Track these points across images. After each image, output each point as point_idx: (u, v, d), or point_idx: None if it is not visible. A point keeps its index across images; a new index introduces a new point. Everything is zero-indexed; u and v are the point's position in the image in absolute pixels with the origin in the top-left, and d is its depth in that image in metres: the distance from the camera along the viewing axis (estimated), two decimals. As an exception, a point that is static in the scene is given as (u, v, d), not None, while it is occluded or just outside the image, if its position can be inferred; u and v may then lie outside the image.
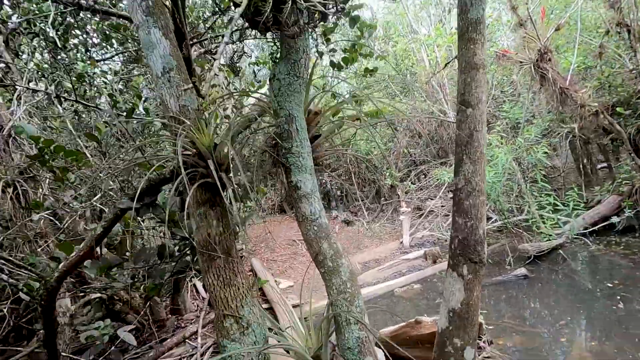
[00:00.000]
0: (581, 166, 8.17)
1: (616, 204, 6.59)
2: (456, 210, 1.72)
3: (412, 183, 10.78)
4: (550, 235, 6.16)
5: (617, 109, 6.93)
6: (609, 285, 4.83)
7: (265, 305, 5.80)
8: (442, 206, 9.77)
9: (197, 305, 5.91)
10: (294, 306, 5.74)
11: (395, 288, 6.13)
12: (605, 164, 8.97)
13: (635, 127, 6.91)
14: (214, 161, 1.71)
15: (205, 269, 2.02)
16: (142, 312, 5.20)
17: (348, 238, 9.81)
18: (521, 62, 6.91)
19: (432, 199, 10.40)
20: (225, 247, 2.02)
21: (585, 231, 6.35)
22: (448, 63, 11.31)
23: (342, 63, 2.89)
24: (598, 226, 6.48)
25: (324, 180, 12.48)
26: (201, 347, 4.65)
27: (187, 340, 4.87)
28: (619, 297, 4.46)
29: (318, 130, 2.13)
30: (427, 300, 5.60)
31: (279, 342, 2.44)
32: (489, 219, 8.08)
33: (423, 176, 11.71)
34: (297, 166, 1.78)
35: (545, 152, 6.20)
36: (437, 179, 9.27)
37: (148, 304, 5.30)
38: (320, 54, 3.12)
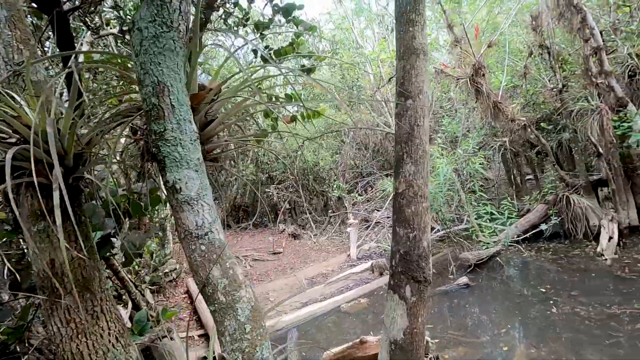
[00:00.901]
0: (512, 177, 8.71)
1: (544, 212, 7.05)
2: (397, 219, 1.48)
3: (359, 195, 10.77)
4: (488, 243, 6.38)
5: (541, 124, 7.51)
6: (542, 290, 5.03)
7: (199, 332, 5.21)
8: (388, 217, 9.85)
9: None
10: (233, 330, 5.21)
11: (342, 304, 5.88)
12: (532, 175, 9.71)
13: (556, 141, 7.52)
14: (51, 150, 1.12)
15: (47, 311, 1.41)
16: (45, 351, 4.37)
17: (295, 252, 9.46)
18: (458, 78, 7.25)
19: (378, 210, 10.46)
20: (80, 279, 1.47)
21: (518, 239, 6.68)
22: (391, 78, 11.67)
23: (273, 56, 2.63)
24: (529, 234, 6.86)
25: (270, 193, 12.06)
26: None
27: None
28: (551, 302, 4.63)
29: (213, 114, 1.57)
30: (374, 314, 5.42)
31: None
32: (432, 229, 8.25)
33: (370, 188, 11.80)
34: (174, 159, 1.22)
35: (482, 163, 6.47)
36: (383, 190, 9.32)
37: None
38: (255, 52, 2.83)
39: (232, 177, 12.87)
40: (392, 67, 11.93)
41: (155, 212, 6.62)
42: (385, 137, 12.22)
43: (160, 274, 6.12)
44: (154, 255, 4.13)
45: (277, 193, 12.04)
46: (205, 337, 5.09)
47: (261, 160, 12.58)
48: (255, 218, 13.29)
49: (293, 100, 2.31)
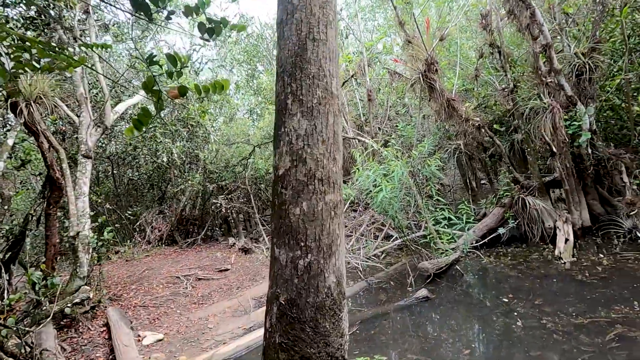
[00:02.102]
0: (467, 181, 8.53)
1: (500, 215, 6.83)
2: (275, 229, 0.82)
3: (314, 203, 10.16)
4: (447, 250, 5.98)
5: (494, 126, 7.36)
6: (505, 300, 4.64)
7: (113, 377, 4.22)
8: (345, 226, 9.30)
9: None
10: (156, 371, 4.29)
11: (291, 327, 5.14)
12: (486, 179, 9.65)
13: (509, 142, 7.41)
14: None
15: None
16: None
17: (244, 268, 8.58)
18: (412, 81, 6.94)
19: (335, 220, 9.90)
20: None
21: (477, 244, 6.36)
22: (345, 82, 11.30)
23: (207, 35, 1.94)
24: (487, 238, 6.58)
25: (219, 204, 11.09)
26: None
27: None
28: (515, 314, 4.23)
29: None
30: (326, 338, 4.72)
31: None
32: (389, 237, 7.79)
33: (326, 196, 11.23)
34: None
35: (437, 166, 6.13)
36: (338, 198, 8.75)
37: None
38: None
39: (177, 187, 11.74)
40: (346, 72, 11.59)
41: (64, 229, 5.52)
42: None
43: (69, 304, 5.02)
44: (37, 286, 3.18)
45: (227, 204, 11.09)
46: (119, 383, 4.11)
47: (209, 169, 11.60)
48: (204, 232, 12.21)
49: (179, 64, 1.62)
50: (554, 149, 5.72)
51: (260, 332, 5.04)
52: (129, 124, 10.43)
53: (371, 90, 10.97)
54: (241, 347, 4.75)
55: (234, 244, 10.37)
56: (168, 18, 2.28)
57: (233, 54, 14.53)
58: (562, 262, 5.45)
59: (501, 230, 6.43)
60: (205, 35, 1.93)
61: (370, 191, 6.20)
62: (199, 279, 8.08)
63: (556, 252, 5.68)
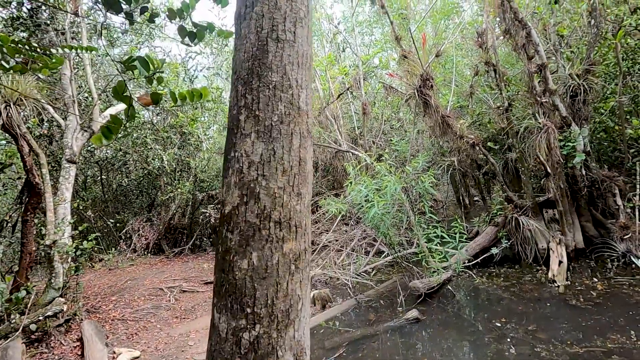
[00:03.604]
0: (460, 198, 8.45)
1: (493, 234, 6.72)
2: (217, 287, 0.59)
3: (305, 216, 9.97)
4: (439, 269, 5.83)
5: (488, 143, 7.32)
6: (497, 324, 4.48)
7: (81, 398, 3.94)
8: (336, 240, 9.12)
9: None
10: (129, 392, 4.02)
11: (275, 347, 4.91)
12: (479, 197, 9.58)
13: (503, 161, 7.36)
14: None
15: None
16: None
17: (231, 281, 8.31)
18: (407, 96, 6.89)
19: (326, 232, 9.71)
20: None
21: (469, 264, 6.22)
22: (341, 94, 11.28)
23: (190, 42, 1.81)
24: (480, 258, 6.45)
25: (208, 213, 10.85)
26: None
27: None
28: (508, 339, 4.07)
29: None
30: (311, 360, 4.51)
31: None
32: (380, 252, 7.62)
33: (318, 208, 11.07)
34: None
35: (431, 182, 6.02)
36: (328, 211, 8.62)
37: None
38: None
39: (167, 195, 11.48)
40: (342, 85, 11.59)
41: (42, 237, 5.27)
42: (334, 155, 11.69)
43: (41, 317, 4.75)
44: (2, 299, 2.95)
45: (216, 214, 10.85)
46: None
47: (200, 177, 11.39)
48: (192, 241, 11.91)
49: (151, 65, 1.48)
50: (549, 169, 5.66)
51: (242, 352, 4.81)
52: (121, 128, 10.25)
53: (366, 103, 10.94)
54: (221, 367, 4.51)
55: (222, 255, 10.10)
56: (151, 20, 2.15)
57: (229, 62, 14.47)
58: (556, 285, 5.32)
59: (494, 250, 6.31)
60: (187, 40, 1.80)
61: (362, 206, 6.06)
62: (184, 291, 7.80)
63: (549, 275, 5.56)
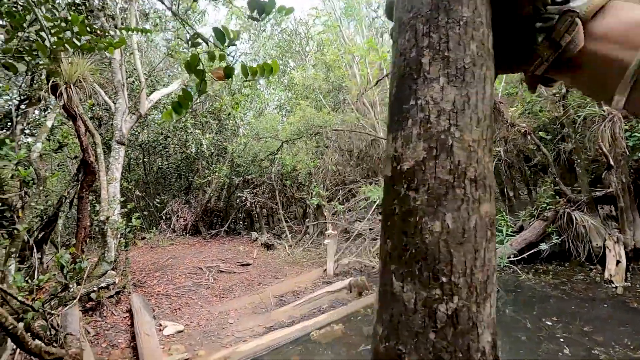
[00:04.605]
0: (505, 190, 8.05)
1: (541, 229, 6.35)
2: (396, 251, 0.43)
3: (340, 203, 9.92)
4: (482, 263, 5.60)
5: (540, 133, 6.87)
6: (548, 323, 4.25)
7: (133, 365, 4.18)
8: (371, 229, 9.03)
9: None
10: (175, 364, 4.22)
11: (312, 330, 4.96)
12: (525, 189, 9.09)
13: (555, 152, 6.89)
14: None
15: None
16: None
17: (266, 264, 8.48)
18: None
19: (360, 221, 9.64)
20: None
21: (514, 259, 5.95)
22: (379, 80, 11.00)
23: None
24: (526, 253, 6.14)
25: (244, 198, 11.08)
26: None
27: None
28: (561, 340, 3.84)
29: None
30: (349, 346, 4.52)
31: None
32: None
33: (352, 196, 10.99)
34: None
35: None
36: (366, 199, 8.51)
37: None
38: None
39: (204, 178, 11.83)
40: (381, 70, 11.28)
41: (95, 213, 5.58)
42: (370, 143, 11.49)
43: (96, 288, 5.06)
44: (65, 269, 3.16)
45: (252, 198, 11.06)
46: (139, 373, 4.07)
47: (236, 162, 11.61)
48: (228, 224, 12.25)
49: (227, 40, 1.44)
50: (611, 162, 5.22)
51: (281, 333, 4.89)
52: (162, 113, 10.57)
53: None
54: (261, 346, 4.62)
55: (257, 238, 10.31)
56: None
57: (266, 48, 14.51)
58: (613, 286, 4.97)
59: (543, 246, 5.97)
60: (255, 15, 1.75)
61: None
62: (221, 272, 8.05)
63: (606, 275, 5.19)
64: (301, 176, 10.49)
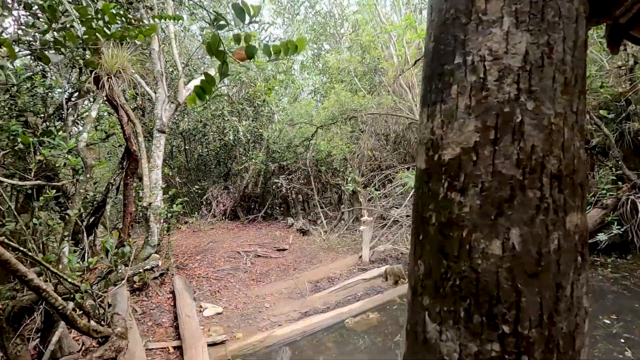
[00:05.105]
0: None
1: (599, 218, 5.79)
2: (433, 283, 0.29)
3: (375, 189, 9.70)
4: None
5: (600, 111, 6.19)
6: (607, 321, 3.88)
7: (175, 343, 4.39)
8: (408, 216, 8.76)
9: (82, 344, 4.39)
10: (214, 344, 4.37)
11: (347, 317, 4.93)
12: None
13: (618, 132, 6.20)
14: None
15: None
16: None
17: (302, 250, 8.55)
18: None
19: (397, 208, 9.38)
20: None
21: (567, 249, 5.47)
22: (418, 60, 10.46)
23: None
24: (581, 244, 5.63)
25: (280, 184, 11.18)
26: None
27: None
28: (622, 341, 3.49)
29: None
30: (385, 335, 4.43)
31: None
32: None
33: (388, 182, 10.71)
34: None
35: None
36: (403, 185, 8.23)
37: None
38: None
39: (241, 165, 12.07)
40: (419, 50, 10.72)
41: (140, 198, 5.86)
42: (408, 127, 11.06)
43: (141, 270, 5.34)
44: (109, 254, 3.33)
45: (287, 184, 11.14)
46: (179, 350, 4.26)
47: (272, 148, 11.69)
48: (264, 210, 12.48)
49: (248, 17, 1.34)
50: (688, 142, 4.57)
51: (316, 319, 4.91)
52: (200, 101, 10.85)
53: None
54: (296, 331, 4.66)
55: (292, 224, 10.41)
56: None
57: (300, 32, 14.29)
58: (686, 282, 4.42)
59: (602, 237, 5.43)
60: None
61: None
62: (258, 256, 8.22)
63: (677, 270, 4.64)
64: (336, 162, 10.36)
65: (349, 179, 9.53)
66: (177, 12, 8.64)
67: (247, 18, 1.35)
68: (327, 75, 13.27)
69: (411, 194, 8.78)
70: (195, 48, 10.61)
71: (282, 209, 13.14)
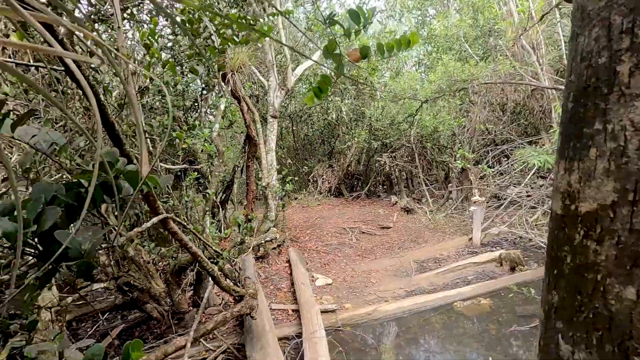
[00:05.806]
0: None
1: None
2: (569, 313, 0.33)
3: (489, 166, 8.89)
4: None
5: None
6: None
7: (293, 307, 4.99)
8: (528, 196, 7.84)
9: (222, 299, 5.36)
10: (326, 311, 4.82)
11: (456, 300, 4.82)
12: None
13: None
14: None
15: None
16: (162, 302, 4.78)
17: (406, 229, 8.51)
18: None
19: (515, 186, 8.46)
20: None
21: None
22: (545, 14, 8.92)
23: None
24: None
25: (383, 162, 11.17)
26: (215, 350, 4.05)
27: (200, 340, 4.28)
28: None
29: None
30: (498, 324, 4.21)
31: None
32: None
33: (505, 158, 9.67)
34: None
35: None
36: (523, 162, 7.38)
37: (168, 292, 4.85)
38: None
39: (344, 143, 12.41)
40: (547, 2, 9.10)
41: (259, 179, 6.64)
42: (531, 94, 9.66)
43: (263, 241, 6.14)
44: (240, 227, 3.96)
45: (390, 162, 11.04)
46: (297, 313, 4.83)
47: (374, 126, 11.67)
48: (367, 187, 12.70)
49: (362, 20, 1.41)
50: None
51: (422, 299, 4.93)
52: (305, 85, 11.40)
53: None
54: (403, 308, 4.78)
55: (396, 202, 10.36)
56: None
57: (403, 1, 13.53)
58: None
59: None
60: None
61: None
62: (363, 233, 8.51)
63: None
64: (443, 138, 9.78)
65: (458, 155, 8.93)
66: (284, 3, 9.11)
67: (362, 21, 1.43)
68: (432, 44, 12.38)
69: (532, 171, 7.79)
70: (300, 34, 11.08)
71: (385, 186, 13.15)
